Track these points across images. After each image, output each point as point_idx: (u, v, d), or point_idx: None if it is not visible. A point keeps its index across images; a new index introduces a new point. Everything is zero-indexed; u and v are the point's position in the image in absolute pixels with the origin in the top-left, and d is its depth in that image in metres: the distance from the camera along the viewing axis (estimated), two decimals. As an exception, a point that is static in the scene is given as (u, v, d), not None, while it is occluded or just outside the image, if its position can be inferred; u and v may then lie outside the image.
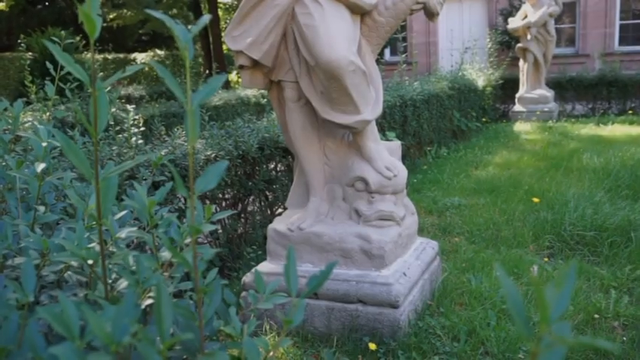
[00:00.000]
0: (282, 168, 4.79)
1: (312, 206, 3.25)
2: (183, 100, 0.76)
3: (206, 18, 0.77)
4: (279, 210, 4.77)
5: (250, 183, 4.36)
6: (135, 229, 1.15)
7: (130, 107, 3.35)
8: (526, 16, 10.70)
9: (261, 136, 4.42)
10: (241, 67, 3.12)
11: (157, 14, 0.77)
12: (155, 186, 3.42)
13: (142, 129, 4.10)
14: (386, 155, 3.17)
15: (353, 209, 3.16)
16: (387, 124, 6.22)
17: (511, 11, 13.92)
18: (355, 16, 3.05)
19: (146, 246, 2.34)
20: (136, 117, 3.42)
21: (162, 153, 3.66)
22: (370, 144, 3.14)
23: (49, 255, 1.17)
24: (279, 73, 3.14)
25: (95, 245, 1.12)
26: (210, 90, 0.77)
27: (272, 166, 4.71)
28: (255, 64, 3.08)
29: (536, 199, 4.76)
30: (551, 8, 10.46)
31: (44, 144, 1.26)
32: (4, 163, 1.49)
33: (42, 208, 1.29)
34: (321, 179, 3.28)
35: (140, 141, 3.51)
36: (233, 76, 26.00)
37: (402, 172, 3.17)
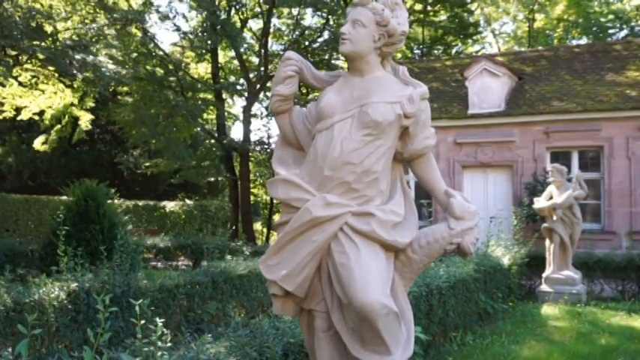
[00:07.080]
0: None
1: None
2: None
3: None
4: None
5: (272, 391, 4.21)
6: None
7: (159, 321, 3.32)
8: (551, 197, 10.75)
9: (286, 340, 4.34)
10: (274, 295, 3.15)
11: None
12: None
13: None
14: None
15: None
16: (412, 317, 6.11)
17: (535, 185, 14.13)
18: (389, 254, 3.09)
19: None
20: (165, 331, 3.39)
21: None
22: (399, 382, 3.04)
23: None
24: (310, 303, 3.16)
25: None
26: None
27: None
28: (288, 293, 3.11)
29: None
30: (576, 192, 10.54)
31: None
32: None
33: None
34: (347, 412, 3.16)
35: (165, 356, 3.45)
36: (258, 227, 26.40)
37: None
